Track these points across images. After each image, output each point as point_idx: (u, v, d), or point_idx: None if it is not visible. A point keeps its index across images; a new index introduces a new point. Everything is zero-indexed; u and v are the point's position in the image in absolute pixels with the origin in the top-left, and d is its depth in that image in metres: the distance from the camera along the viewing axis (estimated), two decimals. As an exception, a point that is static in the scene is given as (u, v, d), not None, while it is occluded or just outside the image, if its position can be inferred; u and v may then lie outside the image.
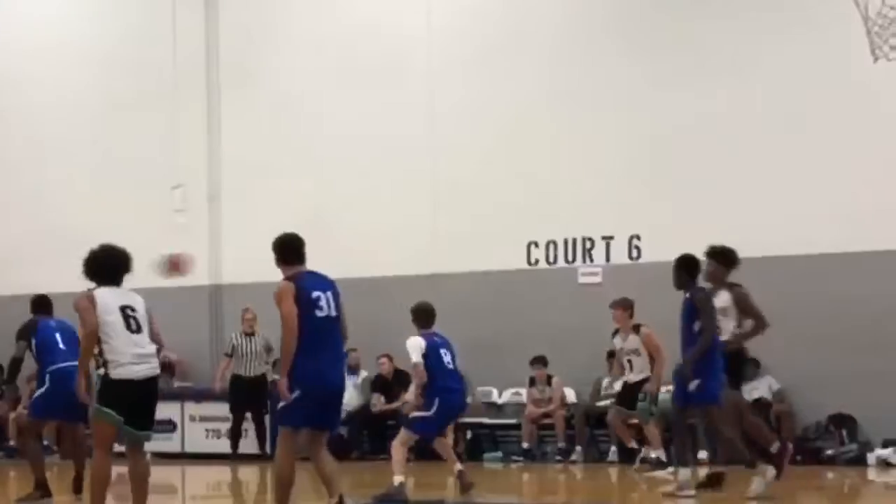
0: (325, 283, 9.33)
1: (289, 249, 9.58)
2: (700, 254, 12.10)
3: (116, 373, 8.75)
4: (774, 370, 16.00)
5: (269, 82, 19.27)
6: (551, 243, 17.45)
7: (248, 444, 17.63)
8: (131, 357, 8.80)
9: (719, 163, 16.49)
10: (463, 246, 17.79)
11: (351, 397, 18.06)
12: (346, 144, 18.61)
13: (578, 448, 16.77)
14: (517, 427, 17.43)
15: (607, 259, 17.19)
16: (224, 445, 17.89)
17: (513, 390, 17.73)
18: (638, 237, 17.01)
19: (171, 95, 19.28)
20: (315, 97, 18.88)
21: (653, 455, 14.79)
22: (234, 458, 17.40)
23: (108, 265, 9.19)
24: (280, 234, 9.65)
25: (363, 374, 18.14)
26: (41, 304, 12.94)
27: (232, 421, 17.72)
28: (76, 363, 10.53)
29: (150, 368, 8.88)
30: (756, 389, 16.11)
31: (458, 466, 12.42)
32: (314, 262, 18.32)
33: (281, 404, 9.01)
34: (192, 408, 18.10)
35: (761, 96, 16.31)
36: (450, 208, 17.91)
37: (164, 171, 19.12)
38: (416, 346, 12.05)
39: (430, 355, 12.04)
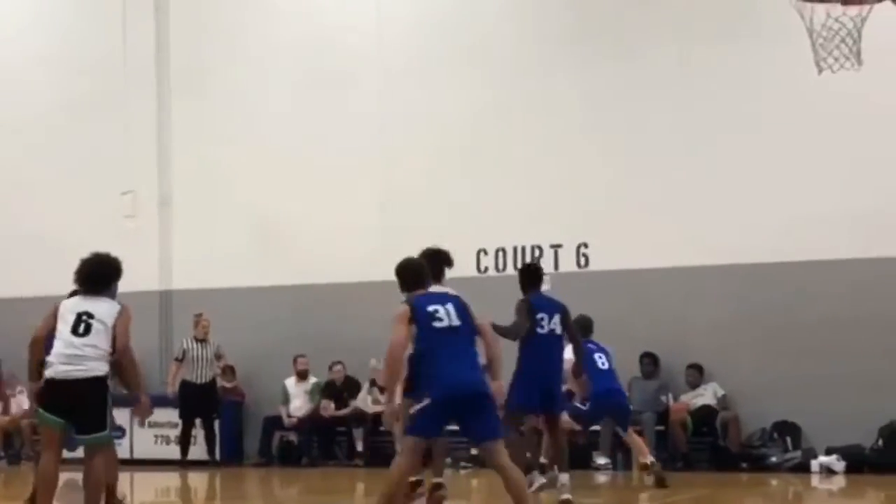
0: (441, 298, 9.25)
1: (404, 275, 9.54)
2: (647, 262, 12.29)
3: (46, 373, 8.90)
4: (720, 377, 16.16)
5: (221, 88, 19.23)
6: (500, 251, 17.52)
7: (198, 451, 17.62)
8: (61, 357, 8.87)
9: (667, 172, 16.62)
10: (413, 253, 17.79)
11: (300, 404, 18.14)
12: (298, 151, 18.60)
13: (528, 455, 16.83)
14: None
15: (556, 267, 17.26)
16: (173, 451, 17.86)
17: (462, 397, 17.77)
18: (586, 245, 17.10)
19: (122, 100, 19.22)
20: (266, 103, 18.88)
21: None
22: (183, 464, 17.39)
23: (82, 274, 9.25)
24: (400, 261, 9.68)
25: (313, 380, 18.16)
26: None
27: (181, 427, 17.71)
28: None
29: (77, 370, 8.85)
30: (701, 396, 16.28)
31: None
32: (266, 267, 18.58)
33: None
34: (141, 414, 18.03)
35: (710, 106, 16.45)
36: (400, 216, 17.95)
37: (114, 176, 19.05)
38: None
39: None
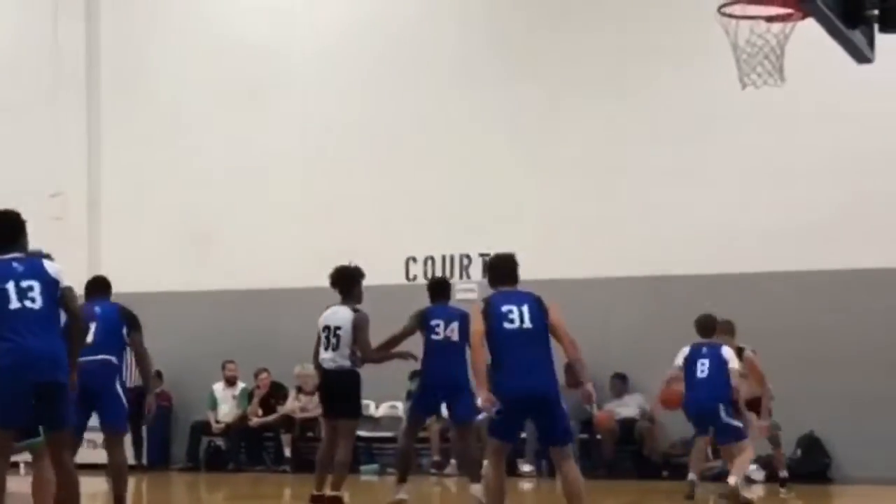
0: (519, 298, 9.34)
1: (492, 272, 9.75)
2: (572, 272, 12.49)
3: None
4: (642, 386, 16.37)
5: (152, 91, 19.22)
6: (429, 259, 17.66)
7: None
8: None
9: (592, 185, 16.86)
10: (341, 260, 17.85)
11: (228, 409, 18.15)
12: (228, 155, 18.63)
13: (453, 461, 16.98)
14: (393, 440, 17.59)
15: (484, 275, 17.39)
16: (100, 456, 17.72)
17: (389, 404, 17.89)
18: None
19: (51, 102, 19.15)
20: (197, 108, 18.89)
21: None
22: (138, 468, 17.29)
23: None
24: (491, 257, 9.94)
25: (241, 386, 18.18)
26: (90, 286, 12.15)
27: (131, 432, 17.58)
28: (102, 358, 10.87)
29: None
30: (627, 407, 16.48)
31: None
32: (195, 272, 18.58)
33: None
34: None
35: (635, 121, 16.71)
36: (328, 223, 18.04)
37: (42, 178, 18.94)
38: None
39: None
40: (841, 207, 15.70)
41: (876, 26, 9.32)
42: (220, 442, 18.23)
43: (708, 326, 13.13)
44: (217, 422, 18.03)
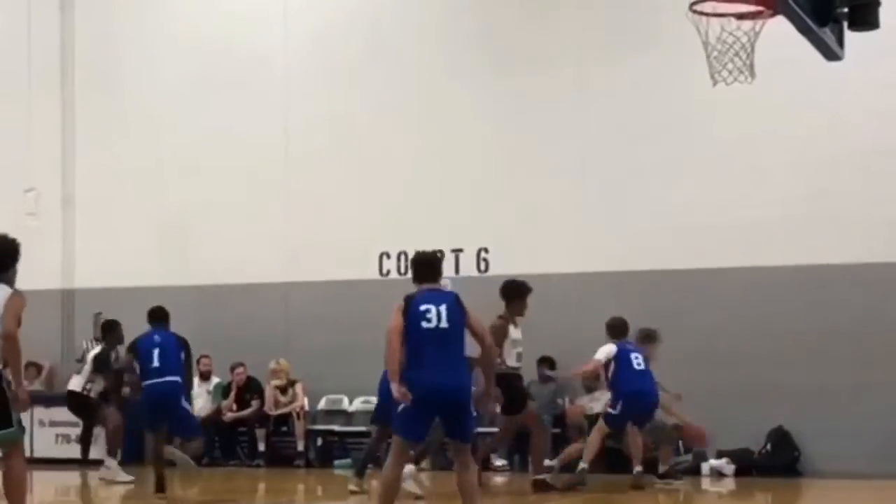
0: (439, 297, 9.41)
1: (415, 268, 9.79)
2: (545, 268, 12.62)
3: None
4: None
5: (127, 86, 19.23)
6: (403, 254, 17.71)
7: (99, 450, 17.55)
8: None
9: (565, 181, 16.96)
10: (316, 255, 17.99)
11: (203, 404, 18.16)
12: (204, 152, 18.64)
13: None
14: (367, 434, 17.63)
15: (457, 271, 17.47)
16: (74, 450, 17.80)
17: (363, 398, 17.94)
18: (486, 250, 17.37)
19: (26, 97, 19.03)
20: (173, 103, 18.90)
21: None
22: (84, 463, 17.33)
23: None
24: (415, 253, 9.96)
25: (215, 380, 18.22)
26: (151, 315, 14.16)
27: (82, 426, 17.63)
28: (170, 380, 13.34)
29: None
30: (598, 402, 16.56)
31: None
32: (169, 267, 18.60)
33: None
34: (42, 412, 17.94)
35: (607, 118, 16.81)
36: (303, 218, 18.10)
37: (17, 174, 18.88)
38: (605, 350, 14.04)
39: (620, 360, 13.95)
40: (808, 203, 15.83)
41: (845, 24, 9.45)
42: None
43: (623, 329, 14.20)
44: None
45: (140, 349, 13.66)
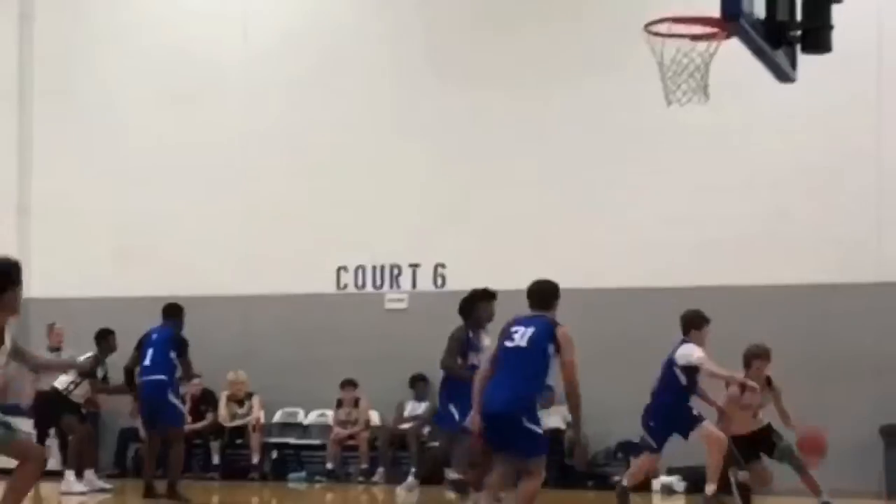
0: (531, 321, 9.81)
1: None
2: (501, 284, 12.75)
3: None
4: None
5: (85, 96, 19.19)
6: (360, 269, 17.79)
7: (52, 461, 17.43)
8: None
9: (523, 197, 17.08)
10: (274, 268, 18.03)
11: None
12: (162, 162, 18.64)
13: (381, 469, 17.12)
14: (322, 448, 17.71)
15: (413, 286, 17.59)
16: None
17: (318, 412, 17.99)
18: (443, 265, 17.47)
19: (-19, 105, 19.12)
20: (131, 112, 18.88)
21: None
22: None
23: None
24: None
25: (170, 392, 18.20)
26: (163, 311, 15.11)
27: (35, 437, 17.54)
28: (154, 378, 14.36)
29: None
30: (552, 417, 16.66)
31: None
32: (127, 278, 18.54)
33: None
34: (-4, 423, 17.82)
35: (566, 135, 16.96)
36: (262, 231, 18.13)
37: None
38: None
39: None
40: (763, 223, 16.02)
41: (798, 47, 9.57)
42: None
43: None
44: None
45: (141, 347, 14.71)
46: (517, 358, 9.55)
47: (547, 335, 9.60)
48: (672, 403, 12.71)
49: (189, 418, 17.93)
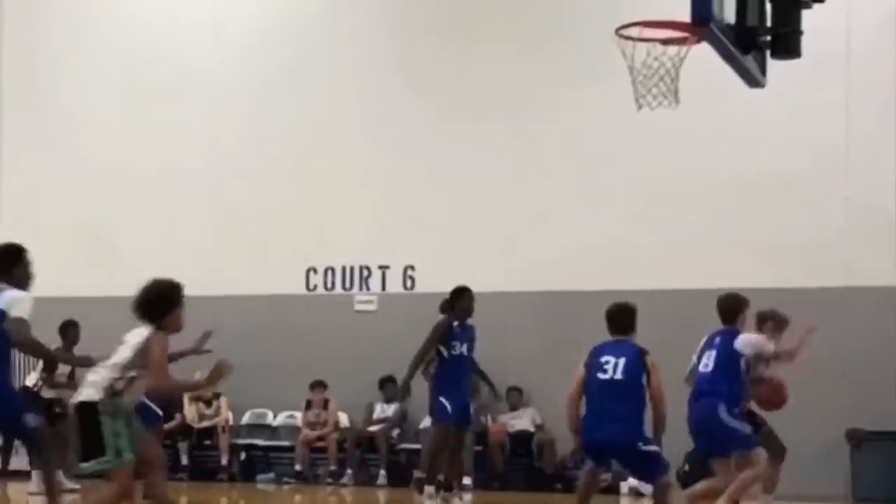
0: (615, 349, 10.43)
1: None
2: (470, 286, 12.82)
3: None
4: (537, 399, 16.63)
5: (54, 95, 19.12)
6: (329, 270, 17.79)
7: (19, 461, 17.43)
8: None
9: (491, 200, 17.14)
10: (243, 269, 18.01)
11: (125, 416, 18.09)
12: (130, 163, 18.59)
13: (349, 471, 17.12)
14: (291, 449, 17.69)
15: (383, 288, 17.61)
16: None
17: (287, 413, 17.98)
18: (412, 267, 17.50)
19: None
20: (101, 112, 18.82)
21: None
22: (3, 475, 17.20)
23: None
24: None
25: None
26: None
27: (2, 437, 17.49)
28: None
29: None
30: (520, 419, 16.73)
31: None
32: (97, 277, 18.49)
33: None
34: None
35: (535, 138, 17.02)
36: (230, 232, 18.11)
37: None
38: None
39: None
40: (731, 227, 16.10)
41: (768, 52, 9.64)
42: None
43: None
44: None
45: None
46: (615, 390, 10.15)
47: (638, 365, 10.31)
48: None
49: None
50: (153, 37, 18.77)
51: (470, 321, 13.88)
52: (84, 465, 8.45)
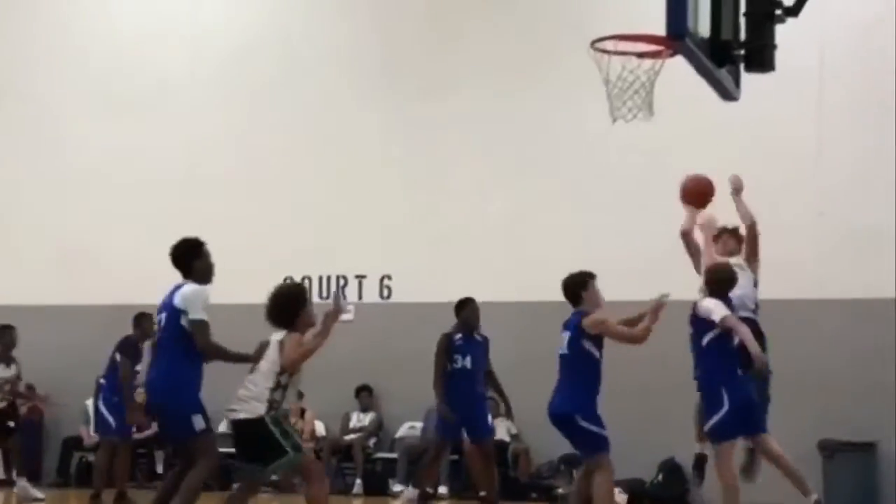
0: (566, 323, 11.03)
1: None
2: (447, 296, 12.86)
3: None
4: (514, 412, 16.66)
5: (27, 103, 19.17)
6: (306, 279, 17.83)
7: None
8: None
9: (467, 210, 17.24)
10: (219, 278, 17.91)
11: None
12: (104, 171, 18.65)
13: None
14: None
15: (360, 297, 17.66)
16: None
17: (262, 422, 17.96)
18: (389, 277, 17.56)
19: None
20: (75, 121, 18.88)
21: None
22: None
23: None
24: None
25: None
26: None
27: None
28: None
29: None
30: (496, 429, 16.75)
31: None
32: (70, 286, 18.48)
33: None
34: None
35: (509, 149, 17.14)
36: (208, 240, 18.02)
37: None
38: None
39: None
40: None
41: (742, 66, 9.73)
42: (92, 457, 18.14)
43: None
44: (91, 436, 17.97)
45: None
46: (562, 364, 10.78)
47: (578, 334, 10.61)
48: None
49: (134, 427, 17.92)
50: (132, 48, 18.82)
51: (479, 334, 13.84)
52: (269, 466, 9.36)
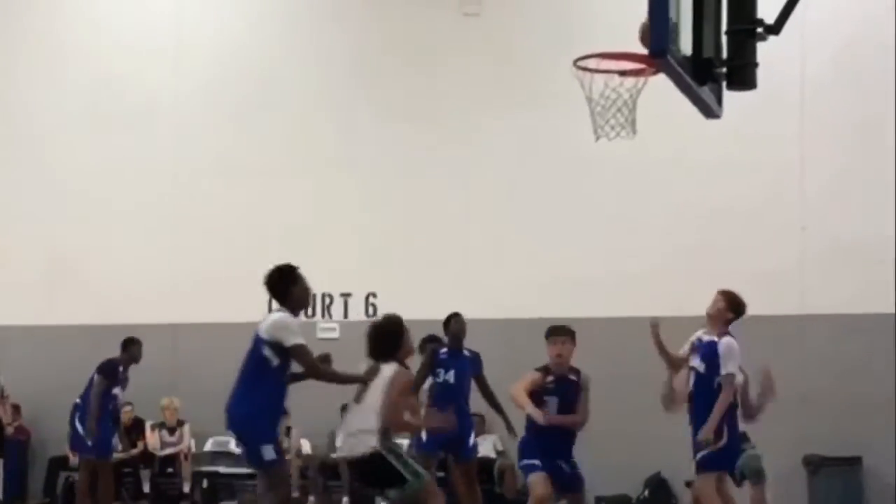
0: None
1: None
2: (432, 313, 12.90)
3: None
4: (498, 426, 16.67)
5: (15, 123, 19.16)
6: (292, 298, 17.85)
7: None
8: None
9: (451, 228, 17.30)
10: (205, 296, 18.04)
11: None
12: (89, 189, 18.64)
13: (312, 498, 17.15)
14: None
15: (345, 315, 17.68)
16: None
17: (250, 441, 17.95)
18: (374, 295, 17.59)
19: None
20: (61, 140, 18.88)
21: None
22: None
23: None
24: None
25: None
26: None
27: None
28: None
29: None
30: (481, 446, 16.79)
31: None
32: (56, 305, 18.48)
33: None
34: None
35: (492, 168, 17.22)
36: (192, 259, 18.15)
37: None
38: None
39: None
40: (688, 256, 16.28)
41: (724, 84, 9.79)
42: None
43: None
44: (76, 456, 17.92)
45: None
46: None
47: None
48: None
49: (119, 447, 17.91)
50: (115, 65, 18.82)
51: (469, 350, 13.82)
52: (393, 493, 9.47)
